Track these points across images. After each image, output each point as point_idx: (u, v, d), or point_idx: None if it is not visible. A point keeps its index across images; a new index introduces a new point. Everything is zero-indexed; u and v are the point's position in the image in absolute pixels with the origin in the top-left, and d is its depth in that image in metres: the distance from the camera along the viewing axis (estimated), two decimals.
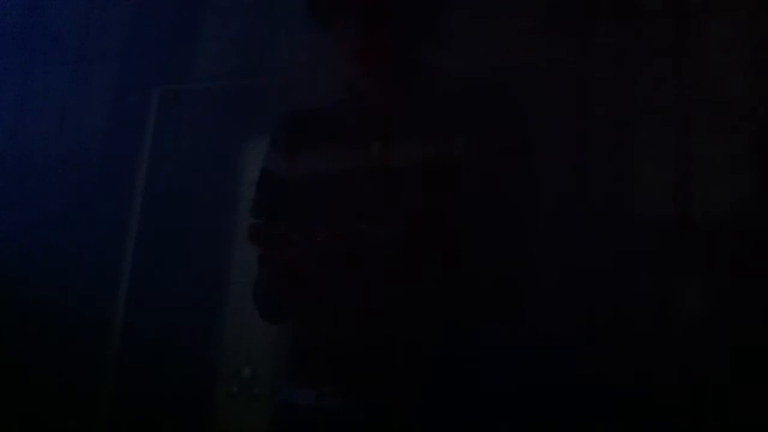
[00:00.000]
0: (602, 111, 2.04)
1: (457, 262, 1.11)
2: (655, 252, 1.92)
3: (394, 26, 1.21)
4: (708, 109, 1.99)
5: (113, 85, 2.72)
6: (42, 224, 2.58)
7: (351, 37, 1.21)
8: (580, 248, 1.89)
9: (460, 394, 1.12)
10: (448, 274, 1.11)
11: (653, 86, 2.06)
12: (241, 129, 2.44)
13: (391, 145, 1.19)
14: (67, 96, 2.76)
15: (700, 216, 1.94)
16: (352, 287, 1.12)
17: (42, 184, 2.65)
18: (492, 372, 1.17)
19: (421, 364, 1.11)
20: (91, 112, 2.71)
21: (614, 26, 2.12)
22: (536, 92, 2.02)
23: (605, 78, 2.09)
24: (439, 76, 1.28)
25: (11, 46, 2.87)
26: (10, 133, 2.77)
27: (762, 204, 1.90)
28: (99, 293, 2.45)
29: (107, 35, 2.78)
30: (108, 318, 2.43)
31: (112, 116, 2.68)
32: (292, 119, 1.34)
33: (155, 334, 2.29)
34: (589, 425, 1.78)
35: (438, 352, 1.12)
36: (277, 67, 2.47)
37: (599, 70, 2.08)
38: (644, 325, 1.88)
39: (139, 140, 2.58)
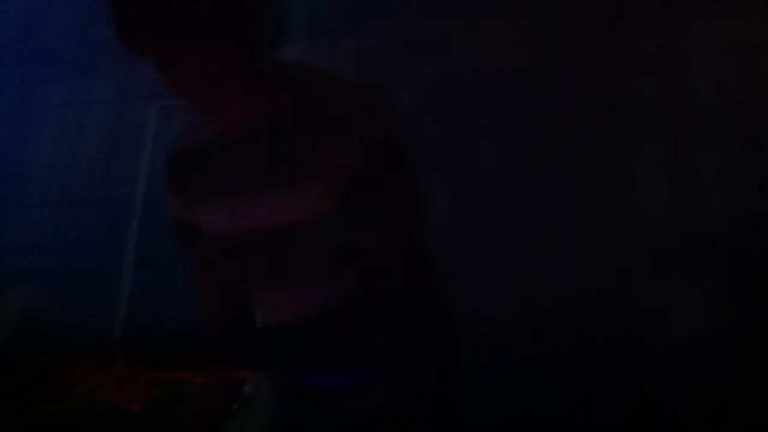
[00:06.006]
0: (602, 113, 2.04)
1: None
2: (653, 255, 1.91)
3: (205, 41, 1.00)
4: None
5: (111, 100, 2.72)
6: (41, 237, 2.56)
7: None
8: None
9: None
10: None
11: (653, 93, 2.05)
12: None
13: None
14: (65, 111, 2.75)
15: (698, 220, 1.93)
16: None
17: (41, 197, 2.63)
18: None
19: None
20: (90, 126, 2.70)
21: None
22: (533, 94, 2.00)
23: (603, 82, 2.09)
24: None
25: (10, 62, 2.87)
26: (9, 147, 2.76)
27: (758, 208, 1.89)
28: (99, 306, 2.43)
29: (105, 51, 2.78)
30: (108, 333, 2.41)
31: (111, 131, 2.68)
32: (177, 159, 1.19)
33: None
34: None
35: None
36: None
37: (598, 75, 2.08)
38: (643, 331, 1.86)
39: (138, 154, 2.57)
